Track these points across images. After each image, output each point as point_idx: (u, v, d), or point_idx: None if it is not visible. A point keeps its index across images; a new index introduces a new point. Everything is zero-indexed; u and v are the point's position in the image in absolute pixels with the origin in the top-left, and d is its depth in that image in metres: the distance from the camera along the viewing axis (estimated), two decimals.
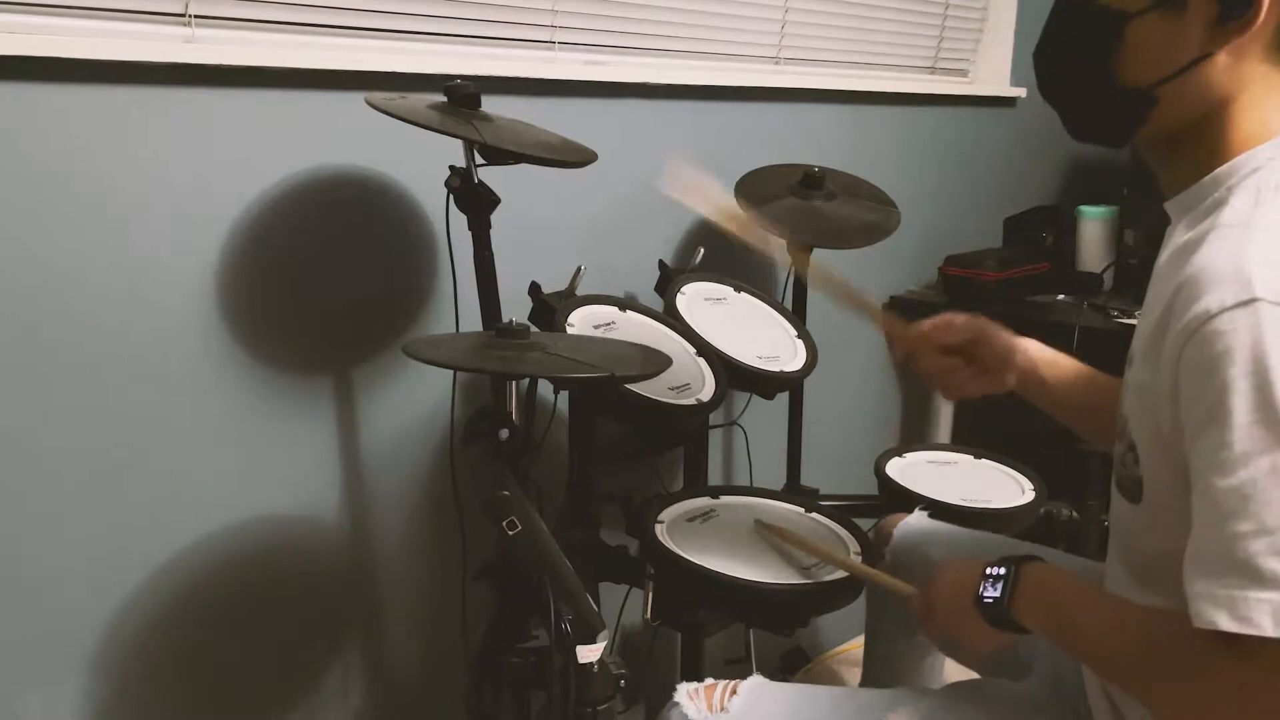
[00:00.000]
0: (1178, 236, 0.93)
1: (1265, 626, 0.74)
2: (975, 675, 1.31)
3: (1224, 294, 0.78)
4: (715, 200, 1.50)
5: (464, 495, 1.45)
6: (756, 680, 1.17)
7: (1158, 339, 0.86)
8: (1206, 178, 0.91)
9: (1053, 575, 0.99)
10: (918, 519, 1.45)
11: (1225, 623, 0.76)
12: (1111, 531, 1.05)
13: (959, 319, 1.28)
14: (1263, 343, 0.76)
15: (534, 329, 1.18)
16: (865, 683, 1.58)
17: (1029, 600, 0.98)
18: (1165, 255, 0.96)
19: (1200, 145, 0.92)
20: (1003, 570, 1.00)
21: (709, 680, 1.19)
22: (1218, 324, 0.78)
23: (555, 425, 1.59)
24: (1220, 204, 0.88)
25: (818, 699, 1.17)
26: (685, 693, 1.17)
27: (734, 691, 1.15)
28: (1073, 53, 0.96)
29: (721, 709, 1.14)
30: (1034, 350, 1.26)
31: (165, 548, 1.36)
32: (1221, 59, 0.88)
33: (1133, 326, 1.02)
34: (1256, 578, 0.75)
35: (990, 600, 0.99)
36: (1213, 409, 0.78)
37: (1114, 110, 0.95)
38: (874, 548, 1.42)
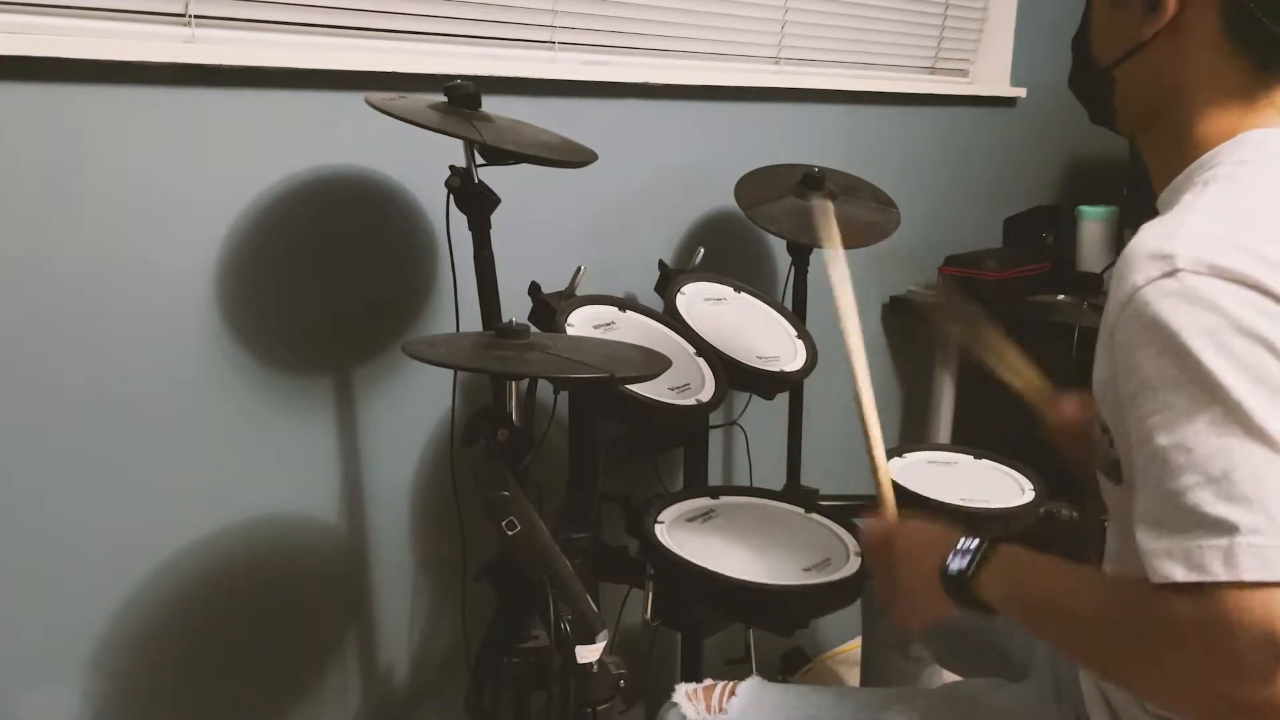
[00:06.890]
0: None
1: (1217, 571, 0.74)
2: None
3: (1149, 269, 0.80)
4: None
5: (464, 495, 1.46)
6: (754, 681, 1.18)
7: (1104, 323, 0.88)
8: (1179, 176, 0.93)
9: (1023, 553, 0.96)
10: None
11: (1180, 574, 0.75)
12: (1109, 514, 1.05)
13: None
14: (1187, 308, 0.78)
15: (534, 329, 1.18)
16: (864, 683, 1.58)
17: (993, 573, 0.95)
18: None
19: (1167, 140, 0.95)
20: (974, 544, 0.98)
21: (707, 681, 1.19)
22: (1144, 295, 0.80)
23: (555, 425, 1.59)
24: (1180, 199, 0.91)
25: (815, 699, 1.17)
26: (684, 693, 1.17)
27: (732, 692, 1.16)
28: (1076, 36, 1.04)
29: (720, 710, 1.14)
30: None
31: (164, 548, 1.36)
32: (1162, 48, 0.92)
33: None
34: (1206, 525, 0.75)
35: (954, 572, 0.97)
36: (1148, 375, 0.80)
37: (1091, 88, 1.02)
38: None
